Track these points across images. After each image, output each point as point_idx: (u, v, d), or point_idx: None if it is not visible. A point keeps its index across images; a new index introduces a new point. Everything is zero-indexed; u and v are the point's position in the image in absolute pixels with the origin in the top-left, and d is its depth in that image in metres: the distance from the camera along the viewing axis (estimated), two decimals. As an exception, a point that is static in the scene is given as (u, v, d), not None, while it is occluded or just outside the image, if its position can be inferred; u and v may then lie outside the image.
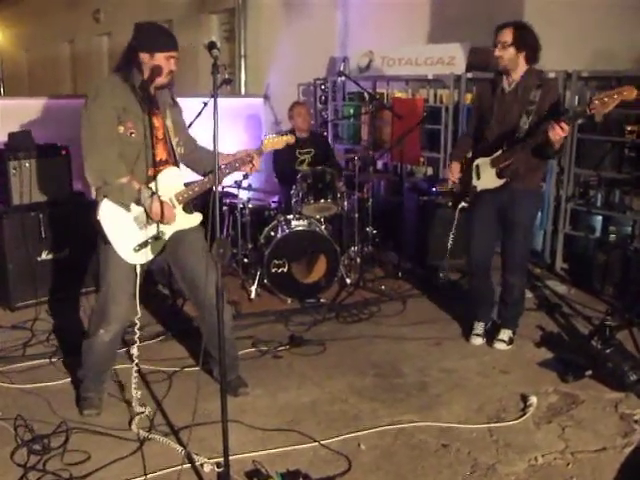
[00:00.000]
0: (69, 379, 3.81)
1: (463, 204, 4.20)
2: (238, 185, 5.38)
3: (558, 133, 3.55)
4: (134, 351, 3.42)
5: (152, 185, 3.24)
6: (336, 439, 3.23)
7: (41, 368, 3.98)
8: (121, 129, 3.16)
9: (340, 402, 3.62)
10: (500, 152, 3.93)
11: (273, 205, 5.88)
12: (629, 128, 5.23)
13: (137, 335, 3.38)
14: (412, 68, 6.92)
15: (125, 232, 3.23)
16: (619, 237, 5.30)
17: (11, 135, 5.01)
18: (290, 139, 3.66)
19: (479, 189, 4.12)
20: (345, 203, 5.46)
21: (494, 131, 4.03)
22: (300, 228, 5.10)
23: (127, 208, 3.21)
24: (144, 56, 3.20)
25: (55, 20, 14.98)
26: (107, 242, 3.22)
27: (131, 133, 3.19)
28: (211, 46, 2.55)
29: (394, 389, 3.77)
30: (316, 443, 3.18)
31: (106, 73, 13.53)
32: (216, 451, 3.01)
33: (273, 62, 8.73)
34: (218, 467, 2.94)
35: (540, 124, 3.78)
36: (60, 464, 3.01)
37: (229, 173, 3.45)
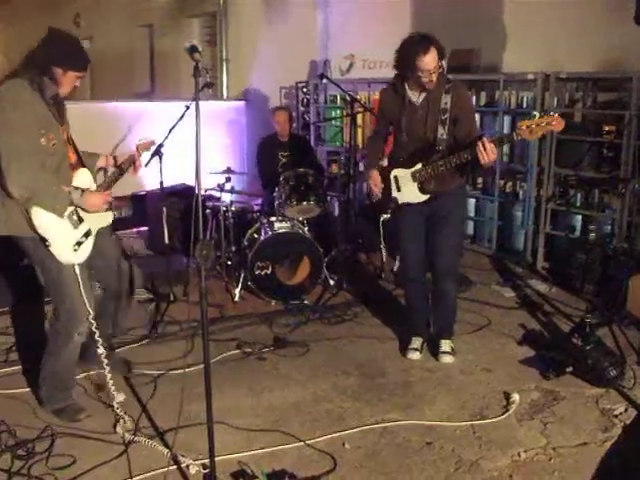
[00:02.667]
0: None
1: (385, 215, 4.10)
2: (221, 188, 5.39)
3: (488, 157, 3.46)
4: (101, 352, 3.42)
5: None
6: (321, 439, 3.25)
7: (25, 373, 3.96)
8: (43, 141, 3.08)
9: (324, 402, 3.64)
10: (420, 166, 3.81)
11: (256, 208, 5.90)
12: (607, 128, 5.30)
13: (97, 334, 3.39)
14: (393, 71, 6.95)
15: (61, 233, 3.20)
16: (599, 236, 5.36)
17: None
18: (153, 143, 4.03)
19: (401, 202, 3.98)
20: (327, 205, 5.49)
21: (408, 142, 3.88)
22: (283, 230, 5.12)
23: (60, 215, 3.16)
24: (57, 70, 3.14)
25: (35, 25, 14.84)
26: (47, 244, 3.16)
27: (53, 144, 3.14)
28: (192, 50, 2.55)
29: (378, 388, 3.80)
30: (301, 443, 3.20)
31: (88, 78, 13.50)
32: (201, 452, 3.02)
33: (255, 65, 8.77)
34: (204, 468, 2.96)
35: (458, 135, 3.72)
36: (45, 469, 3.00)
37: (120, 176, 3.62)
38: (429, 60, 3.58)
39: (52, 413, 3.44)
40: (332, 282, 5.35)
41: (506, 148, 6.05)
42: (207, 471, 2.91)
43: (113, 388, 3.45)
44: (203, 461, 2.98)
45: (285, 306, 5.07)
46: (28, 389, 3.72)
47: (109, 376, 3.45)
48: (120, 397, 3.49)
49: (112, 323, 3.85)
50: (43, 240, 3.16)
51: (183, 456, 3.05)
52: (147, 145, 3.91)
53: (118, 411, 3.40)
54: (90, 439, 3.25)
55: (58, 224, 3.18)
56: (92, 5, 12.58)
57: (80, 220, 3.29)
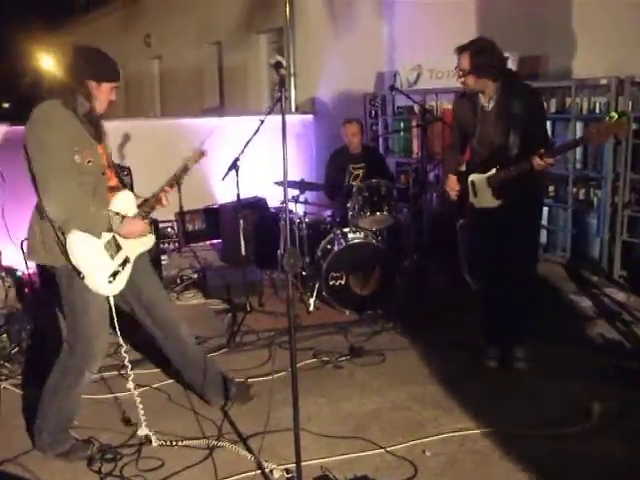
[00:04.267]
0: (138, 390, 3.96)
1: (461, 221, 4.13)
2: (295, 199, 5.49)
3: (543, 167, 3.59)
4: (130, 375, 3.38)
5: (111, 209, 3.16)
6: (401, 446, 3.28)
7: (110, 379, 4.11)
8: (77, 158, 2.98)
9: (403, 410, 3.67)
10: (494, 171, 3.88)
11: (328, 219, 5.98)
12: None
13: (126, 360, 3.35)
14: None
15: (97, 263, 3.07)
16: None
17: None
18: (202, 154, 3.56)
19: (477, 206, 4.06)
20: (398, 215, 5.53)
21: (483, 148, 3.97)
22: (357, 241, 5.19)
23: (97, 236, 3.04)
24: (91, 84, 3.06)
25: (107, 46, 15.20)
26: (82, 276, 3.03)
27: (89, 162, 3.03)
28: (278, 65, 2.61)
29: (456, 396, 3.80)
30: (382, 449, 3.24)
31: (158, 95, 13.91)
32: (285, 458, 3.11)
33: (322, 78, 8.87)
34: (287, 473, 3.03)
35: (531, 137, 3.76)
36: (135, 471, 3.14)
37: (149, 211, 3.28)
38: (460, 63, 3.83)
39: (56, 457, 3.25)
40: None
41: (579, 154, 5.97)
42: (290, 475, 2.99)
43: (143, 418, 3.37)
44: (286, 466, 3.06)
45: (360, 316, 5.12)
46: (112, 395, 3.87)
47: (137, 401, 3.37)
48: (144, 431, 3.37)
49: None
50: (77, 271, 3.03)
51: (266, 461, 3.14)
52: (199, 156, 3.55)
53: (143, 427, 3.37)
54: (175, 445, 3.36)
55: (94, 253, 3.06)
56: (162, 25, 12.97)
57: (118, 248, 3.16)
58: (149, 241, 3.36)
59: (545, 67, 6.47)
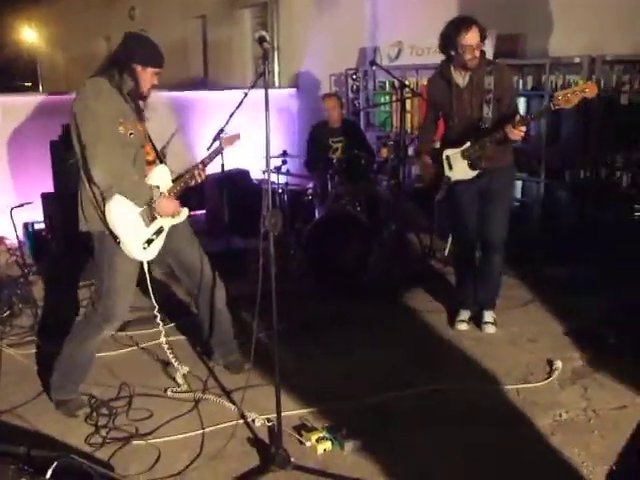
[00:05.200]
0: (127, 349, 4.19)
1: (438, 196, 4.33)
2: (278, 170, 5.66)
3: (517, 136, 3.80)
4: (162, 338, 3.66)
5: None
6: (376, 398, 3.51)
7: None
8: (121, 130, 3.20)
9: (378, 368, 3.91)
10: (469, 144, 4.07)
11: (309, 190, 6.16)
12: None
13: (161, 325, 3.62)
14: (440, 57, 7.11)
15: (133, 230, 3.29)
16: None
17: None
18: (238, 136, 3.87)
19: (453, 179, 4.23)
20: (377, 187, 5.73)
21: (458, 124, 4.15)
22: (337, 211, 5.38)
23: (140, 205, 3.28)
24: (136, 67, 3.29)
25: (91, 18, 15.40)
26: (118, 241, 3.26)
27: (131, 134, 3.24)
28: (261, 39, 2.74)
29: (429, 356, 4.06)
30: (356, 402, 3.47)
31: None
32: (265, 409, 3.34)
33: (305, 53, 9.00)
34: (268, 422, 3.27)
35: (501, 114, 3.98)
36: (127, 421, 3.37)
37: (184, 187, 3.51)
38: (471, 37, 3.87)
39: (54, 403, 3.51)
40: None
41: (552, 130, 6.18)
42: (271, 424, 3.22)
43: (177, 362, 3.71)
44: (267, 416, 3.29)
45: (338, 284, 5.31)
46: (104, 354, 4.05)
47: (169, 352, 3.69)
48: (184, 370, 3.75)
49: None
50: (114, 236, 3.24)
51: (248, 412, 3.36)
52: (233, 139, 3.86)
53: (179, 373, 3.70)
54: (163, 397, 3.58)
55: (130, 220, 3.27)
56: (147, -2, 12.97)
57: (153, 218, 3.37)
58: (183, 214, 3.55)
59: (523, 45, 6.65)
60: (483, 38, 3.94)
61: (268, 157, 2.85)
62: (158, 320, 3.61)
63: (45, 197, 5.60)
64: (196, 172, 3.51)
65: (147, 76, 3.34)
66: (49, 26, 18.49)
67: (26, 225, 6.00)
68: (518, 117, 3.86)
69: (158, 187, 3.36)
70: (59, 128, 5.83)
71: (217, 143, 3.86)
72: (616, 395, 3.50)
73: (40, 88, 19.19)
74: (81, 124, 3.15)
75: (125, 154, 3.23)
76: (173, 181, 3.50)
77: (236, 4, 10.51)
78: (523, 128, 3.80)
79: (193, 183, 3.53)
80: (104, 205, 3.21)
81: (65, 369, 3.49)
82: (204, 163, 3.58)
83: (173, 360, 3.70)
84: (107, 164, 3.14)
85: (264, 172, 2.88)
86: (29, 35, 20.39)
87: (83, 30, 15.89)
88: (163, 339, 3.66)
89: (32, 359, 4.12)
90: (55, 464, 2.13)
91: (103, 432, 3.25)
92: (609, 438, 3.09)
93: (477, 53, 3.93)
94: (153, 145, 3.54)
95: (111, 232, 3.24)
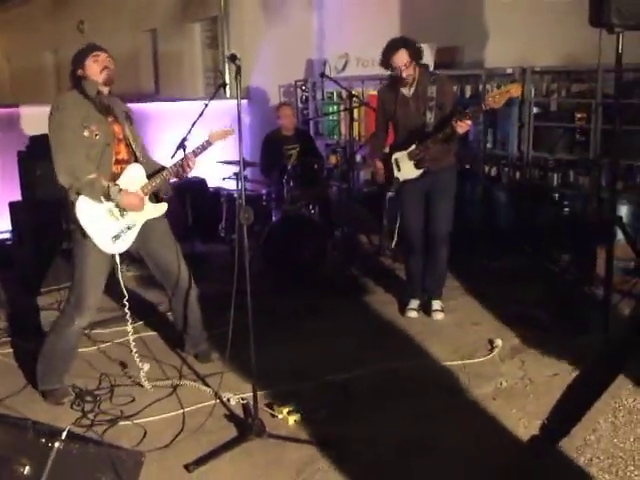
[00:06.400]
0: (100, 346, 4.48)
1: (390, 194, 4.79)
2: (237, 176, 5.99)
3: (464, 128, 4.24)
4: (129, 327, 3.86)
5: (120, 180, 3.63)
6: (339, 377, 3.90)
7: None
8: (86, 133, 3.53)
9: (340, 352, 4.30)
10: (414, 146, 4.51)
11: (265, 195, 6.51)
12: (578, 115, 5.94)
13: (128, 315, 3.82)
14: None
15: (102, 225, 3.57)
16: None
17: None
18: (231, 131, 4.08)
19: (402, 179, 4.67)
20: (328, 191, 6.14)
21: (405, 129, 4.63)
22: (292, 212, 5.75)
23: (99, 202, 3.54)
24: (80, 72, 3.66)
25: (38, 30, 15.43)
26: (85, 236, 3.55)
27: (95, 135, 3.56)
28: (232, 58, 3.12)
29: (383, 341, 4.48)
30: (321, 380, 3.86)
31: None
32: (238, 390, 3.69)
33: (255, 66, 9.35)
34: (242, 400, 3.62)
35: (444, 116, 4.44)
36: (111, 406, 3.68)
37: (160, 184, 3.81)
38: (398, 58, 4.42)
39: (40, 393, 3.78)
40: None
41: (490, 135, 6.68)
42: (245, 402, 3.58)
43: (138, 360, 3.89)
44: (241, 395, 3.65)
45: (296, 282, 5.67)
46: (81, 350, 4.28)
47: (134, 350, 3.89)
48: (145, 367, 3.94)
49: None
50: (82, 230, 3.54)
51: (223, 393, 3.71)
52: (225, 134, 4.06)
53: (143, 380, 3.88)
54: (142, 386, 3.88)
55: (97, 215, 3.55)
56: (96, 12, 13.08)
57: (122, 214, 3.65)
58: (160, 209, 3.86)
59: (461, 57, 7.17)
60: (415, 56, 4.45)
61: (242, 161, 3.21)
62: (126, 310, 3.81)
63: (12, 205, 5.82)
64: (185, 163, 3.83)
65: (93, 65, 3.65)
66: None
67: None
68: (460, 113, 4.30)
69: (117, 185, 3.58)
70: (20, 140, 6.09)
71: (181, 151, 4.16)
72: (548, 366, 3.98)
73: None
74: (49, 134, 3.55)
75: (89, 155, 3.54)
76: (148, 177, 3.78)
77: (186, 18, 10.81)
78: (468, 121, 4.24)
79: (185, 175, 3.88)
80: (74, 203, 3.52)
81: (48, 360, 3.74)
82: (195, 153, 3.88)
83: (136, 358, 3.88)
84: (65, 166, 3.49)
85: (236, 176, 3.22)
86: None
87: (31, 43, 15.91)
88: (130, 337, 3.87)
89: (11, 357, 4.38)
90: (67, 428, 2.42)
91: (90, 416, 3.55)
92: (542, 400, 3.53)
93: (409, 70, 4.43)
94: (130, 145, 3.79)
95: (80, 227, 3.53)
